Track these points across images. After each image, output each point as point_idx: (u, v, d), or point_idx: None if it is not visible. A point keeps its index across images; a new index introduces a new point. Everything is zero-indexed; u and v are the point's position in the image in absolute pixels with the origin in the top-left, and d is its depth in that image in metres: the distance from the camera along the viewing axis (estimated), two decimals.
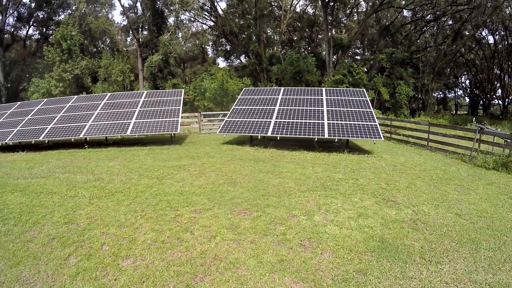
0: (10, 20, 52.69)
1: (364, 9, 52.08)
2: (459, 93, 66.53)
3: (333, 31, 50.12)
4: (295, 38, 59.68)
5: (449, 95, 64.70)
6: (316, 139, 15.65)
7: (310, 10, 57.04)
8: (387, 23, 50.02)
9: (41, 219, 7.52)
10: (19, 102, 25.01)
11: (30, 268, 5.54)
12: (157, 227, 6.80)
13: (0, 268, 5.61)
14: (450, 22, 46.64)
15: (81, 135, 17.47)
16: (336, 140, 16.92)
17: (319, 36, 57.59)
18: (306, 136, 15.32)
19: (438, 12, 43.16)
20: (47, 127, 18.62)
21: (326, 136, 15.05)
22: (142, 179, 10.55)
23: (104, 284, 5.00)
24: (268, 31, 55.68)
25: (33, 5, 51.12)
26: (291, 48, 50.91)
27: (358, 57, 54.67)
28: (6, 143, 18.70)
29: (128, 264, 5.53)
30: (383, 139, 15.07)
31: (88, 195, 9.11)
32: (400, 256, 5.52)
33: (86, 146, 17.77)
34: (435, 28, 47.74)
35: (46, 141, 18.67)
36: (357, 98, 17.89)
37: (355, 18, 55.47)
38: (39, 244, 6.34)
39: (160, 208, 7.81)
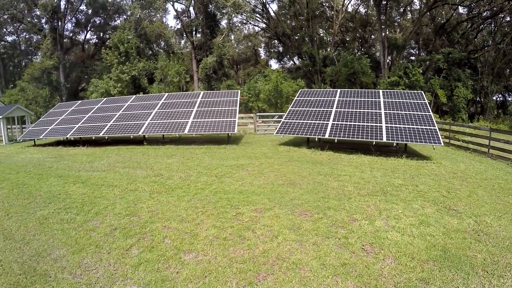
0: (69, 25, 57.40)
1: (418, 7, 49.90)
2: None
3: (387, 31, 48.40)
4: (348, 39, 58.40)
5: (510, 98, 60.20)
6: (374, 143, 15.05)
7: (362, 9, 55.60)
8: (442, 21, 47.49)
9: (103, 210, 7.72)
10: (80, 101, 26.35)
11: (92, 256, 5.66)
12: (218, 224, 6.75)
13: (63, 253, 5.79)
14: (508, 19, 43.35)
15: (140, 133, 17.97)
16: (394, 144, 16.13)
17: (373, 36, 55.94)
18: (364, 140, 14.74)
19: (495, 8, 40.37)
20: (107, 124, 19.39)
21: (384, 139, 14.40)
22: (201, 176, 10.58)
23: (166, 276, 4.99)
24: (321, 32, 54.85)
25: (90, 11, 55.17)
26: (345, 49, 49.95)
27: (413, 58, 52.37)
28: (67, 138, 19.70)
29: (190, 258, 5.50)
30: (442, 144, 14.15)
31: (149, 189, 9.25)
32: (463, 267, 5.21)
33: (146, 143, 18.34)
34: (493, 25, 44.77)
35: (106, 137, 19.41)
36: (415, 101, 17.05)
37: (408, 17, 53.20)
38: (101, 233, 6.48)
39: (220, 205, 7.76)
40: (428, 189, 9.13)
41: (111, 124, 19.36)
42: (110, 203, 8.18)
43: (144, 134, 18.08)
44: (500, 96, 53.45)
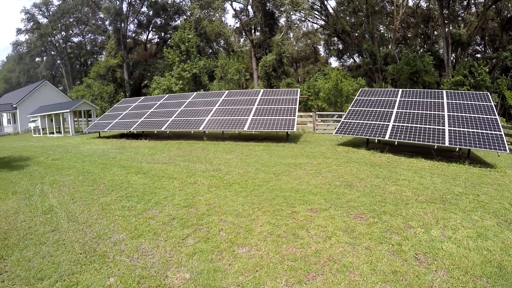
0: (131, 26, 61.12)
1: (483, 0, 46.65)
2: None
3: (450, 26, 45.53)
4: (409, 35, 55.90)
5: None
6: (435, 147, 14.27)
7: (423, 3, 52.52)
8: (509, 15, 44.10)
9: (163, 200, 8.04)
10: (143, 97, 27.55)
11: (149, 242, 5.93)
12: (273, 220, 6.76)
13: (122, 238, 6.13)
14: None
15: (200, 128, 18.46)
16: (457, 149, 15.15)
17: (435, 32, 52.82)
18: (425, 143, 13.98)
19: None
20: (168, 119, 20.12)
21: (447, 144, 13.55)
22: (259, 173, 10.65)
23: (218, 267, 5.11)
24: (381, 28, 53.09)
25: (151, 13, 58.15)
26: (406, 46, 47.94)
27: (479, 55, 49.17)
28: (131, 131, 20.66)
29: (244, 252, 5.58)
30: (508, 151, 13.04)
31: (207, 183, 9.48)
32: None
33: (205, 138, 18.84)
34: None
35: (167, 132, 20.12)
36: (480, 103, 15.88)
37: (473, 11, 49.94)
38: (160, 222, 6.74)
39: (276, 203, 7.76)
40: (489, 200, 8.51)
41: (173, 120, 20.06)
42: (170, 194, 8.49)
43: (204, 129, 18.52)
44: None
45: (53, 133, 29.96)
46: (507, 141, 15.97)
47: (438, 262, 5.34)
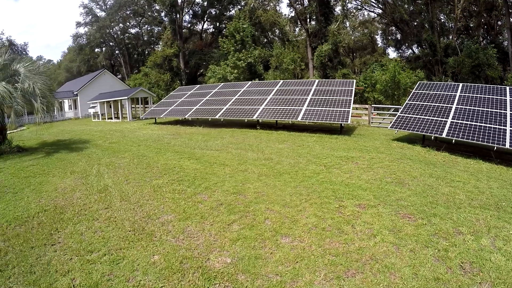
0: (187, 17, 62.99)
1: None
2: None
3: None
4: (471, 25, 52.38)
5: None
6: (495, 148, 13.31)
7: None
8: None
9: (213, 185, 8.24)
10: (198, 85, 28.15)
11: (196, 225, 6.11)
12: (319, 213, 6.70)
13: (170, 219, 6.38)
14: None
15: (254, 117, 18.61)
16: None
17: (499, 22, 49.42)
18: (484, 143, 13.10)
19: None
20: (223, 108, 20.46)
21: (507, 146, 12.52)
22: (310, 164, 10.58)
23: (260, 255, 5.17)
24: (442, 17, 50.13)
25: (205, 3, 59.55)
26: (468, 37, 45.10)
27: None
28: (185, 118, 21.26)
29: (286, 242, 5.58)
30: None
31: (257, 171, 9.57)
32: None
33: (259, 127, 19.03)
34: None
35: (221, 120, 20.47)
36: None
37: None
38: (208, 207, 6.91)
39: (325, 196, 7.68)
40: None
41: (227, 108, 20.36)
42: (220, 180, 8.67)
43: (258, 118, 18.64)
44: None
45: (111, 118, 31.50)
46: None
47: (484, 274, 5.04)
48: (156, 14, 64.52)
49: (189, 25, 63.96)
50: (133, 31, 72.65)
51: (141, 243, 5.45)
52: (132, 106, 34.06)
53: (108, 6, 66.26)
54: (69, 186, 8.47)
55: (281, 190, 7.98)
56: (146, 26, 70.64)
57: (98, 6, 66.92)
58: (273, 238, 5.67)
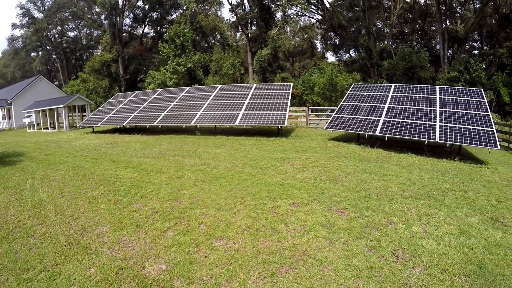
0: (127, 21, 61.22)
1: None
2: None
3: (447, 22, 45.72)
4: (406, 31, 55.86)
5: None
6: (426, 142, 14.46)
7: None
8: (507, 12, 44.13)
9: (148, 194, 8.28)
10: (136, 92, 27.72)
11: (131, 234, 6.17)
12: (254, 214, 6.94)
13: (106, 230, 6.39)
14: None
15: (192, 123, 18.65)
16: (448, 145, 15.30)
17: (433, 28, 53.04)
18: (416, 138, 14.15)
19: None
20: (161, 114, 20.31)
21: (437, 139, 13.74)
22: (246, 167, 10.86)
23: (194, 259, 5.33)
24: (378, 23, 53.13)
25: (147, 7, 58.19)
26: (403, 41, 48.01)
27: (476, 52, 49.32)
28: (124, 126, 20.90)
29: (221, 245, 5.78)
30: (499, 148, 13.16)
31: (194, 177, 9.70)
32: (496, 287, 4.82)
33: (199, 133, 19.07)
34: None
35: (160, 126, 20.33)
36: (473, 99, 16.02)
37: (471, 7, 49.99)
38: (143, 215, 6.98)
39: (259, 197, 7.94)
40: (476, 197, 8.57)
41: (165, 114, 20.24)
42: (156, 188, 8.71)
43: (196, 124, 18.71)
44: None
45: (47, 128, 30.09)
46: (500, 138, 16.19)
47: (416, 259, 5.38)
48: (95, 17, 62.14)
49: (129, 29, 62.38)
50: (71, 34, 69.54)
51: (77, 257, 5.44)
52: (69, 114, 32.75)
53: (46, 7, 62.81)
54: (2, 202, 8.16)
55: (217, 194, 8.17)
56: (85, 29, 67.84)
57: (35, 7, 63.13)
58: (208, 242, 5.83)
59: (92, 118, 23.67)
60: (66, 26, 67.12)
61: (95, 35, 65.83)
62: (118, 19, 54.47)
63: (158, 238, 5.99)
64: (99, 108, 25.85)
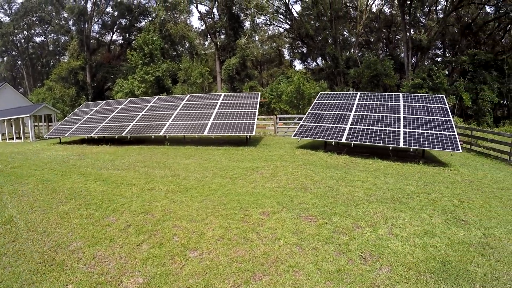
0: (96, 27, 60.22)
1: (444, 7, 49.15)
2: None
3: (412, 31, 47.70)
4: (372, 40, 58.04)
5: None
6: (391, 148, 15.09)
7: (386, 9, 55.29)
8: (469, 21, 46.68)
9: (120, 207, 8.28)
10: (105, 101, 27.36)
11: (106, 249, 6.20)
12: (225, 224, 7.10)
13: (80, 246, 6.38)
14: None
15: (161, 133, 18.62)
16: (412, 149, 16.04)
17: (397, 37, 55.35)
18: (381, 144, 14.77)
19: None
20: (129, 124, 20.16)
21: (402, 145, 14.40)
22: (216, 178, 11.00)
23: (170, 271, 5.43)
24: (345, 32, 54.92)
25: (116, 13, 57.37)
26: (368, 50, 49.58)
27: (439, 59, 51.62)
28: (91, 136, 20.60)
29: (195, 255, 5.91)
30: (461, 151, 13.94)
31: (165, 189, 9.77)
32: (460, 282, 5.16)
33: (168, 143, 19.02)
34: None
35: (128, 137, 20.17)
36: (436, 105, 16.90)
37: (434, 17, 52.39)
38: (116, 229, 7.01)
39: (230, 207, 8.11)
40: (440, 198, 9.06)
41: (134, 124, 20.11)
42: (127, 201, 8.72)
43: (165, 134, 18.68)
44: None
45: (12, 138, 29.20)
46: (462, 141, 17.05)
47: (383, 260, 5.67)
48: (63, 22, 60.10)
49: (97, 36, 61.11)
50: (38, 40, 67.11)
51: (53, 274, 5.41)
52: (35, 124, 31.93)
53: (13, 11, 60.74)
54: None
55: (188, 205, 8.27)
56: (53, 35, 65.48)
57: (2, 10, 61.13)
58: (182, 253, 5.94)
59: (59, 128, 23.19)
60: (33, 31, 64.87)
61: (62, 41, 63.78)
62: (86, 25, 53.36)
63: (133, 251, 6.04)
64: (66, 118, 25.30)
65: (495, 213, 8.13)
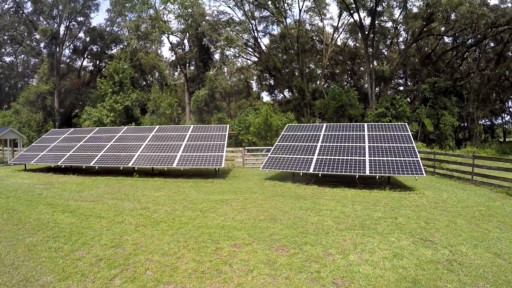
0: (66, 52, 58.79)
1: (404, 39, 52.41)
2: (507, 118, 62.67)
3: (375, 62, 50.33)
4: (337, 71, 60.44)
5: (496, 122, 61.23)
6: (357, 176, 15.55)
7: (351, 42, 58.18)
8: (428, 51, 49.68)
9: (90, 240, 8.07)
10: (72, 129, 26.79)
11: (77, 284, 6.01)
12: (198, 257, 7.07)
13: (50, 280, 6.16)
14: (492, 45, 45.82)
15: (130, 164, 18.44)
16: (377, 177, 16.63)
17: (361, 68, 58.10)
18: (348, 173, 15.21)
19: (479, 36, 42.48)
20: (98, 154, 19.85)
21: (367, 173, 14.91)
22: (186, 211, 10.96)
23: None
24: (311, 65, 56.87)
25: (88, 39, 56.87)
26: (334, 81, 51.36)
27: (401, 88, 54.42)
28: (58, 165, 20.03)
29: None
30: (425, 175, 14.60)
31: (135, 222, 9.62)
32: None
33: (136, 174, 18.80)
34: (477, 52, 46.92)
35: (96, 167, 19.77)
36: (399, 133, 17.73)
37: (396, 48, 55.52)
38: (87, 263, 6.82)
39: (202, 240, 8.09)
40: (406, 221, 9.41)
41: (102, 154, 19.81)
42: (97, 234, 8.52)
43: (134, 166, 18.51)
44: (487, 120, 54.83)
45: None
46: (426, 165, 17.75)
47: (355, 284, 5.80)
48: (35, 44, 58.40)
49: (68, 61, 59.70)
50: (7, 59, 64.73)
51: None
52: (0, 148, 30.78)
53: None
54: None
55: (159, 239, 8.18)
56: (23, 55, 62.66)
57: None
58: (156, 287, 5.87)
59: (25, 154, 22.48)
60: (3, 50, 62.90)
61: (32, 63, 61.94)
62: (58, 49, 52.26)
63: (106, 286, 5.90)
64: (33, 144, 24.58)
65: (460, 230, 8.56)
